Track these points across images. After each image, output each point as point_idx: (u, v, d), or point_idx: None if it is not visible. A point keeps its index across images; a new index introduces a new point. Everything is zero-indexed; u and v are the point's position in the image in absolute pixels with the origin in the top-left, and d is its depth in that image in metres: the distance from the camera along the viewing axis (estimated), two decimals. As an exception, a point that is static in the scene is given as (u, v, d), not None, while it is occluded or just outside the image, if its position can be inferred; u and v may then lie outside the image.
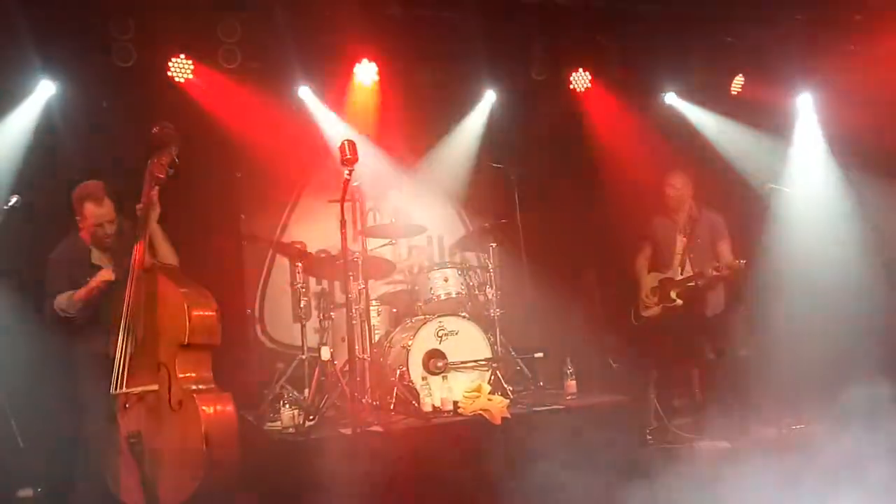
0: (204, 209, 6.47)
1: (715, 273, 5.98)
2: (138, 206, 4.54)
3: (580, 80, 7.34)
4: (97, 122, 6.17)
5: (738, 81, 7.53)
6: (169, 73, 6.34)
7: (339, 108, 6.99)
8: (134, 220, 4.57)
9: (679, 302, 6.15)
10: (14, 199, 4.82)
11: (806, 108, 7.72)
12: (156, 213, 4.58)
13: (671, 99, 7.61)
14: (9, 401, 5.17)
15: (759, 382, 6.12)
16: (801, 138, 7.67)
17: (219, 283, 5.00)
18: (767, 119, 7.56)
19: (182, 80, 6.38)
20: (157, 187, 4.55)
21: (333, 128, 6.87)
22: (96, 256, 4.67)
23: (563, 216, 7.31)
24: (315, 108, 6.94)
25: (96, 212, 4.61)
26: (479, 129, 7.39)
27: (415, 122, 7.16)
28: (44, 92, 6.06)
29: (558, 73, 7.28)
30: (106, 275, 4.48)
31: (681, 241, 6.29)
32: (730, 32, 7.23)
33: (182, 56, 6.35)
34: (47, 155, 5.91)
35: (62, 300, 4.52)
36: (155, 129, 4.59)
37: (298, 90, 6.88)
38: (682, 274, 6.21)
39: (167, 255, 4.71)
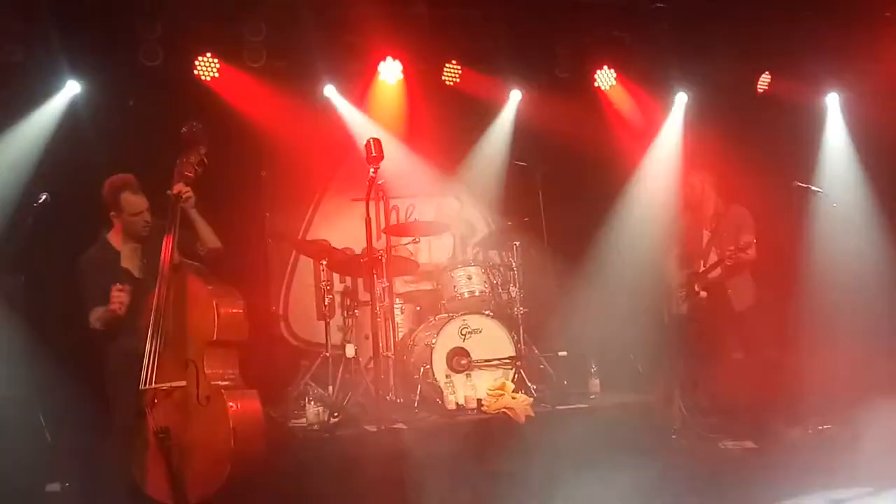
0: (229, 208, 6.48)
1: (729, 254, 5.90)
2: (169, 193, 4.54)
3: (605, 77, 7.32)
4: (124, 120, 6.23)
5: (765, 79, 7.46)
6: (195, 72, 6.41)
7: (364, 107, 7.01)
8: (162, 217, 4.57)
9: (704, 294, 6.08)
10: (43, 197, 4.85)
11: (834, 108, 7.62)
12: (191, 202, 4.58)
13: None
14: (37, 396, 5.23)
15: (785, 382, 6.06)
16: (831, 138, 7.59)
17: (244, 281, 5.03)
18: (794, 118, 7.49)
19: (208, 79, 6.44)
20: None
21: (358, 126, 6.89)
22: (126, 259, 4.66)
23: (587, 214, 7.27)
24: (340, 106, 6.96)
25: (134, 201, 4.61)
26: (505, 127, 7.37)
27: (440, 119, 7.15)
28: (69, 91, 6.11)
29: (582, 71, 7.26)
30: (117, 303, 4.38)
31: (706, 236, 6.25)
32: (756, 29, 7.16)
33: (208, 55, 6.41)
34: (73, 154, 5.95)
35: (94, 319, 4.49)
36: (184, 129, 4.63)
37: (323, 88, 6.90)
38: (705, 266, 6.17)
39: (209, 238, 4.71)
